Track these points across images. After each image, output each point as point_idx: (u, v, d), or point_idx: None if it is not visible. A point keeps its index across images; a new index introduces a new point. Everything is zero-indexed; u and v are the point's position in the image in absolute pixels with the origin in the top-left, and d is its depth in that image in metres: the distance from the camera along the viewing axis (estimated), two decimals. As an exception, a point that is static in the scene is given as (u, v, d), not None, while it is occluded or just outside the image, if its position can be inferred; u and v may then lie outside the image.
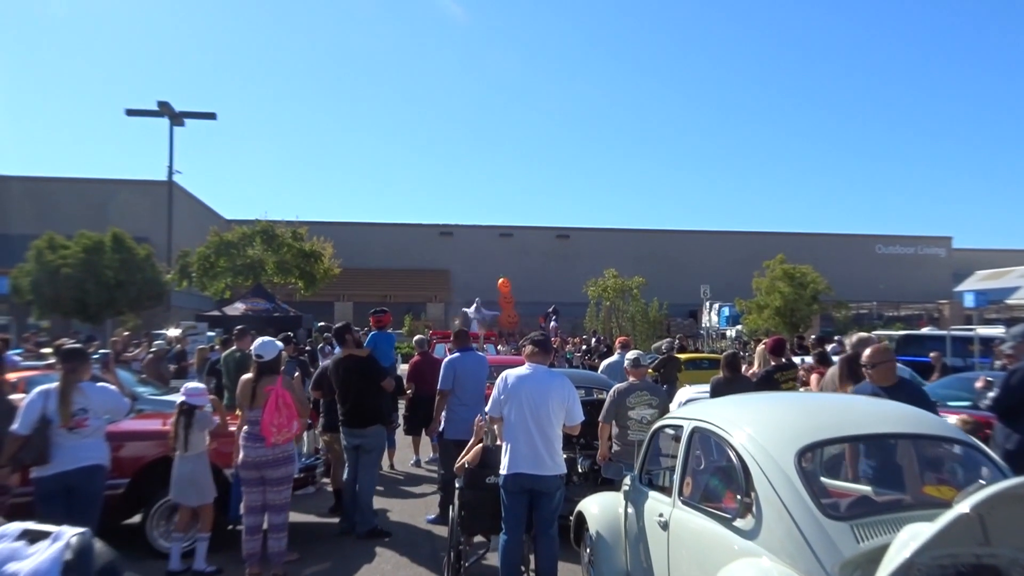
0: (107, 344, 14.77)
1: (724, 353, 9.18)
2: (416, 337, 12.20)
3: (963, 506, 2.49)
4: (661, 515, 4.05)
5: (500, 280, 33.70)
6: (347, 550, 6.53)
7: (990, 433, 5.32)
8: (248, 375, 5.71)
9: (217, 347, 12.35)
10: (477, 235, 45.42)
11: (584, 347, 22.60)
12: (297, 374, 7.12)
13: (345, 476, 7.10)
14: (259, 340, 5.88)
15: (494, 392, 5.06)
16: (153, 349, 13.34)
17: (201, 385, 6.16)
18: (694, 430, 4.04)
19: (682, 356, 16.29)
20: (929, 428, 3.73)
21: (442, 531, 6.75)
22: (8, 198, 32.61)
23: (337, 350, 7.76)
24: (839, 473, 4.13)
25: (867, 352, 5.08)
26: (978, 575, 2.69)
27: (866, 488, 3.83)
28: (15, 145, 76.05)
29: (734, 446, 3.54)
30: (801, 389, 7.65)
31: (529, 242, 45.32)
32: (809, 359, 9.19)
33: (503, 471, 4.89)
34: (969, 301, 32.87)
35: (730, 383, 7.31)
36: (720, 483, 3.95)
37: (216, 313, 21.31)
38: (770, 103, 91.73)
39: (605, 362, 11.19)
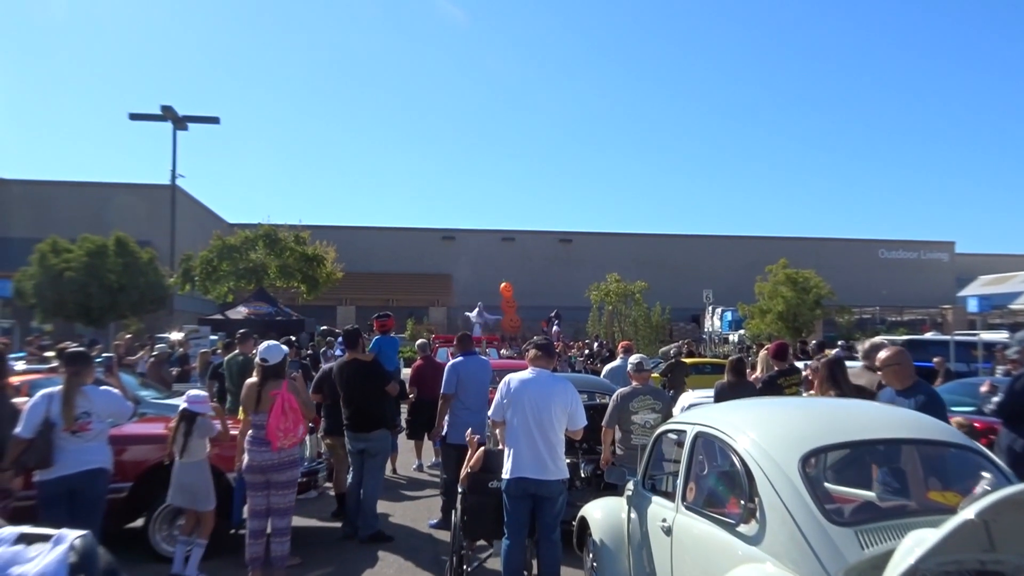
0: (110, 348, 14.80)
1: (730, 357, 9.16)
2: (418, 341, 12.22)
3: (968, 512, 2.48)
4: (664, 520, 4.04)
5: (502, 284, 33.73)
6: (349, 554, 6.53)
7: (993, 439, 5.30)
8: (253, 379, 5.70)
9: (219, 351, 12.37)
10: (479, 239, 45.37)
11: (587, 351, 22.62)
12: (298, 373, 7.13)
13: (349, 480, 7.11)
14: (264, 344, 5.88)
15: (497, 396, 5.06)
16: (156, 353, 13.35)
17: (204, 392, 6.17)
18: (697, 435, 4.02)
19: (688, 361, 16.28)
20: (934, 433, 3.71)
21: (444, 536, 6.74)
22: (9, 202, 32.75)
23: (339, 353, 7.76)
24: (843, 478, 4.11)
25: (881, 354, 5.07)
26: None
27: (870, 493, 3.81)
28: (17, 149, 76.44)
29: (738, 451, 3.53)
30: (807, 393, 7.62)
31: (531, 246, 45.30)
32: (812, 363, 9.16)
33: (506, 475, 4.89)
34: (972, 306, 32.82)
35: (735, 387, 7.29)
36: (724, 488, 3.93)
37: (219, 317, 21.40)
38: (773, 107, 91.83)
39: (608, 366, 11.16)
